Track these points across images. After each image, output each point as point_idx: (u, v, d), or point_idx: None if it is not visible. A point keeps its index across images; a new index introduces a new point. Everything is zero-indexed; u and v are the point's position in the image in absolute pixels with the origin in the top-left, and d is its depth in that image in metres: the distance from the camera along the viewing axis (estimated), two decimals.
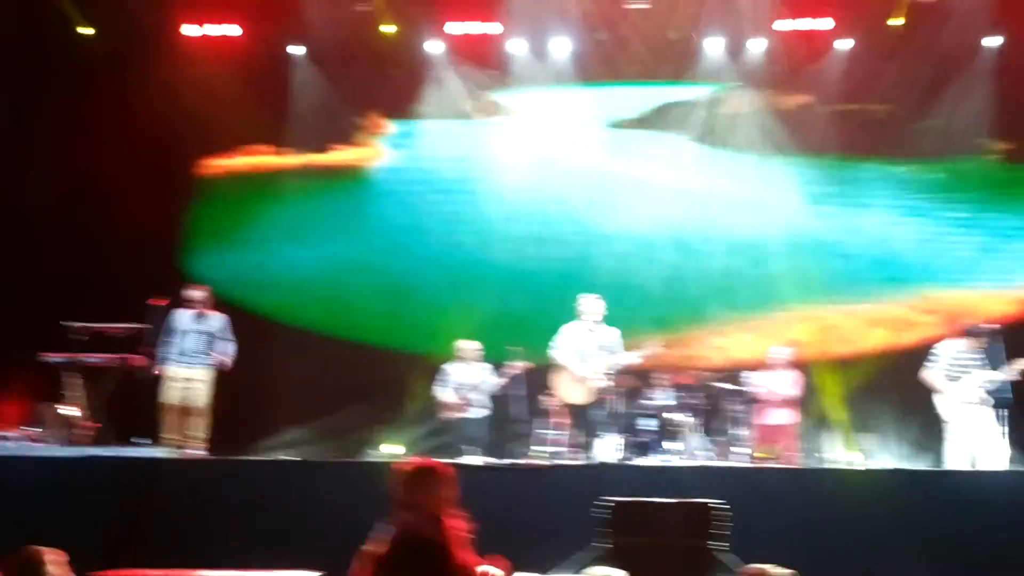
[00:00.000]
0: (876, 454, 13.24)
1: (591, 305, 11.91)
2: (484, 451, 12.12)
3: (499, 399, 12.88)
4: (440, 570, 3.81)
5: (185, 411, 11.65)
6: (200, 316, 11.83)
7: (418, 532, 3.90)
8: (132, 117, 14.40)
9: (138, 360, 11.65)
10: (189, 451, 11.36)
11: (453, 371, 12.92)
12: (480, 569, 4.07)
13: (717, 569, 8.00)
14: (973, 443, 11.11)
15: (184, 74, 14.57)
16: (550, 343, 12.03)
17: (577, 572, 6.08)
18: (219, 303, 12.19)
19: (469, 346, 12.94)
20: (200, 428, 11.69)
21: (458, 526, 4.08)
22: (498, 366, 12.74)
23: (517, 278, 14.82)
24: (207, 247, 15.35)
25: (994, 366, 11.15)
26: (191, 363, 11.69)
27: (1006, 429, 11.05)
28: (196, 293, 11.92)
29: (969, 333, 11.41)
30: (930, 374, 11.42)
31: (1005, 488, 9.97)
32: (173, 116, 14.39)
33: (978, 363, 11.24)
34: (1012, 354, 11.11)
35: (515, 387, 12.68)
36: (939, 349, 11.51)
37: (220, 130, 14.93)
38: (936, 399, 11.39)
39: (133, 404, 11.71)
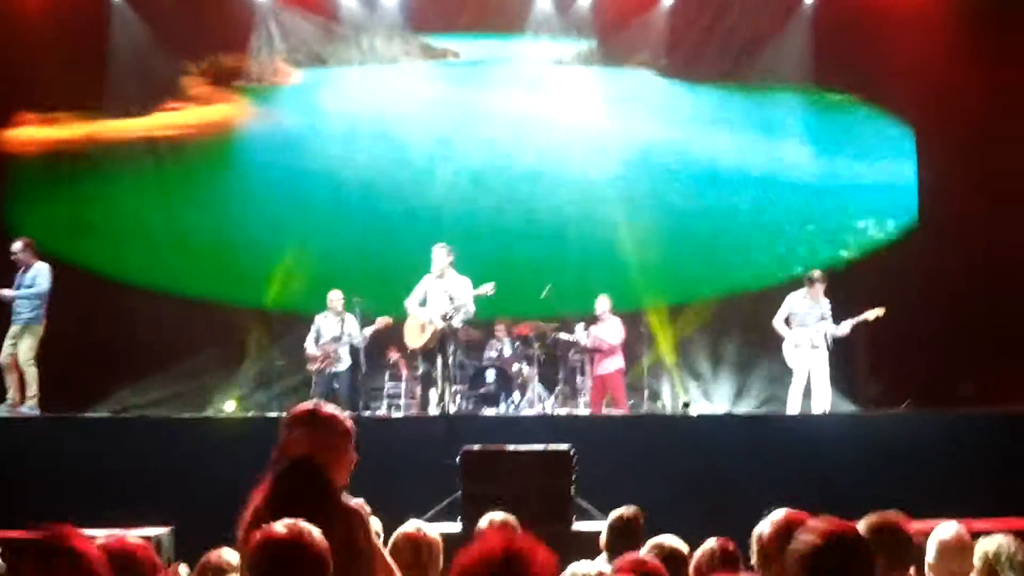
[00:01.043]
0: (713, 399, 13.84)
1: (438, 254, 11.95)
2: (343, 404, 12.04)
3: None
4: (323, 503, 3.77)
5: (16, 368, 11.28)
6: (21, 271, 11.40)
7: (299, 469, 3.84)
8: None
9: None
10: (23, 410, 11.07)
11: (321, 323, 12.68)
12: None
13: (570, 512, 8.23)
14: (807, 387, 11.74)
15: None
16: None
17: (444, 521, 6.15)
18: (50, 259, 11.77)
19: (335, 296, 12.67)
20: (33, 386, 11.27)
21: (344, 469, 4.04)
22: (364, 320, 12.55)
23: (371, 228, 14.68)
24: (35, 201, 14.57)
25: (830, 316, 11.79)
26: (15, 320, 11.35)
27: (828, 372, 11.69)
28: (14, 246, 11.47)
29: (807, 280, 12.00)
30: (774, 321, 12.00)
31: (829, 429, 10.64)
32: None
33: (820, 310, 11.83)
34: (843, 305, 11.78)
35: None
36: (787, 298, 12.07)
37: (37, 80, 14.14)
38: (783, 346, 11.96)
39: None
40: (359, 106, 15.40)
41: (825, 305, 11.86)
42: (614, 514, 5.72)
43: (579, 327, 13.18)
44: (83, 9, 14.26)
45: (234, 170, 15.37)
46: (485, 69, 15.71)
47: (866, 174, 15.22)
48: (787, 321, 11.93)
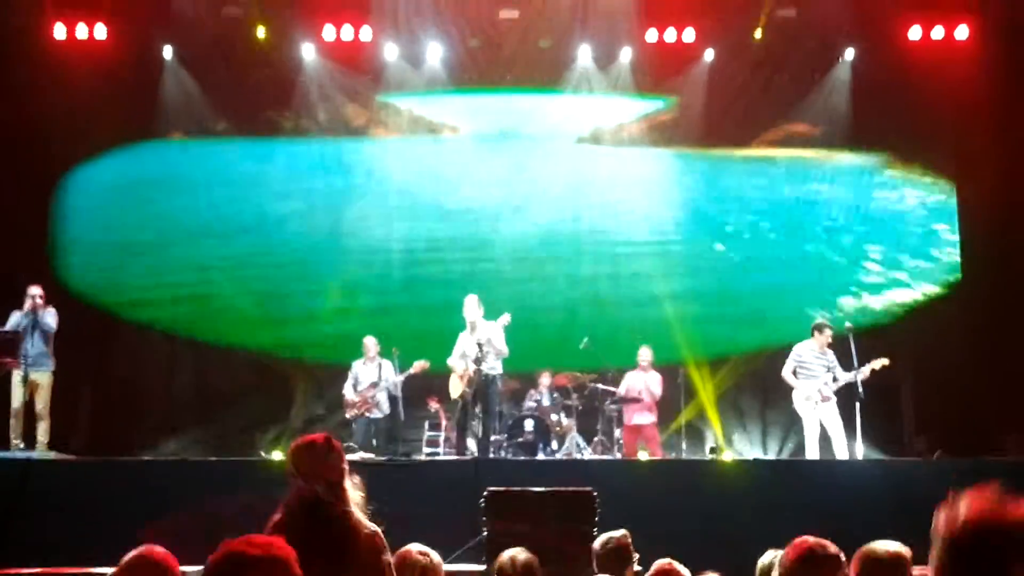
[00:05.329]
0: (742, 447, 13.81)
1: (468, 306, 12.09)
2: (374, 449, 12.11)
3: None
4: (338, 528, 3.95)
5: (30, 414, 11.31)
6: (35, 316, 11.36)
7: (313, 494, 4.04)
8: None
9: (12, 363, 11.28)
10: (57, 454, 11.16)
11: (359, 369, 12.86)
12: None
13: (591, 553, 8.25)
14: (821, 435, 11.67)
15: (53, 76, 14.21)
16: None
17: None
18: (96, 312, 11.98)
19: (370, 342, 12.86)
20: (45, 432, 11.35)
21: (354, 492, 4.23)
22: (398, 367, 12.67)
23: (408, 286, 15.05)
24: (79, 251, 14.91)
25: (845, 365, 11.70)
26: (32, 365, 11.31)
27: (859, 422, 11.57)
28: (35, 290, 11.45)
29: (815, 329, 11.96)
30: (784, 372, 11.96)
31: (849, 475, 10.63)
32: (42, 118, 14.02)
33: (826, 361, 11.78)
34: (863, 354, 11.67)
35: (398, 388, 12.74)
36: (795, 348, 12.03)
37: (90, 132, 14.63)
38: (793, 396, 11.93)
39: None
40: (400, 172, 15.76)
41: (831, 355, 11.81)
42: (603, 537, 5.79)
43: (619, 376, 13.28)
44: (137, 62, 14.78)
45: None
46: (531, 138, 15.97)
47: (908, 230, 15.29)
48: (795, 372, 11.90)
